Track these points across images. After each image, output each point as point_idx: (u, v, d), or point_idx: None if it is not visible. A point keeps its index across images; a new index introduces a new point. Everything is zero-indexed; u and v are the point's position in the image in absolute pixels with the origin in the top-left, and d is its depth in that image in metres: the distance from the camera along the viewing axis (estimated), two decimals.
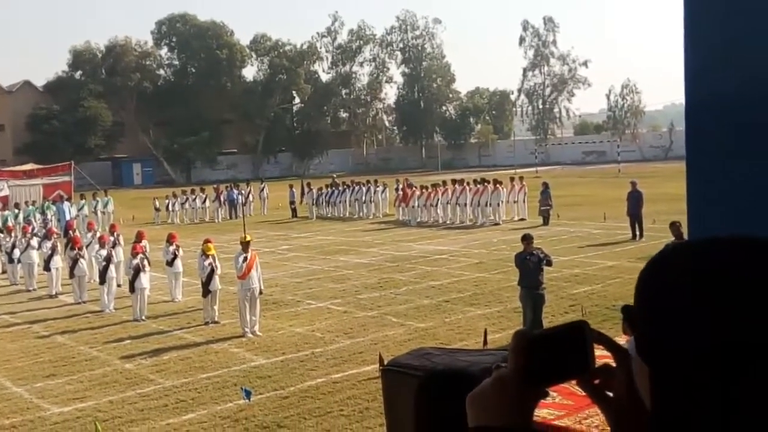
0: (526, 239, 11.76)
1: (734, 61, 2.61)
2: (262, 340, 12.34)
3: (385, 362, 6.15)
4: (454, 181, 29.10)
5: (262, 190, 37.11)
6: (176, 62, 70.15)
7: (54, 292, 17.48)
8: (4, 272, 20.76)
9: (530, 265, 11.36)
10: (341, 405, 8.96)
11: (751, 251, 0.85)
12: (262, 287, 13.53)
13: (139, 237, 16.28)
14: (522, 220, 27.09)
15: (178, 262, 16.01)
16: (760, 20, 2.50)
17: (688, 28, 2.72)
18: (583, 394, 1.04)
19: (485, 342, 10.49)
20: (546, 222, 25.34)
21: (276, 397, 9.48)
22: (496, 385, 0.98)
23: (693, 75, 2.75)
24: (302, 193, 35.33)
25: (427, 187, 29.46)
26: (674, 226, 12.69)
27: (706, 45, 2.71)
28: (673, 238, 12.24)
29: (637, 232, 20.90)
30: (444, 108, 77.27)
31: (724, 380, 0.81)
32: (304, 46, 73.99)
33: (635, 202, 21.38)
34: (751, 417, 0.80)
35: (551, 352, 1.01)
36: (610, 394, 1.00)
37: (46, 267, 17.85)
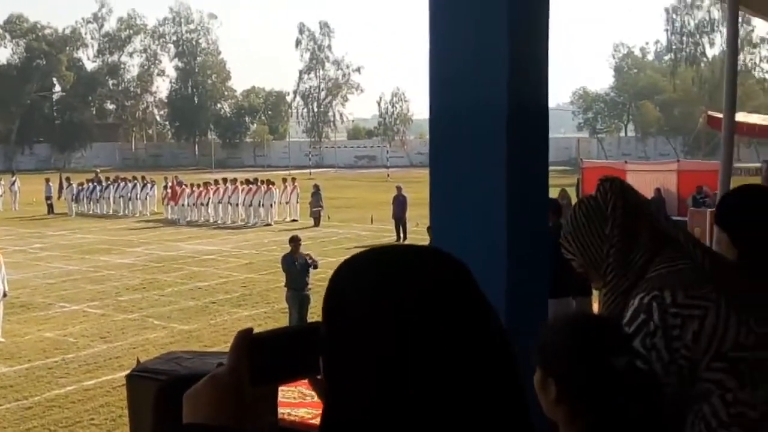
0: (294, 241, 11.87)
1: (468, 78, 2.78)
2: (4, 347, 11.26)
3: None
4: (225, 180, 28.66)
5: (13, 183, 34.02)
6: None
7: None
8: None
9: (297, 267, 11.46)
10: (92, 414, 8.42)
11: (415, 259, 0.93)
12: (7, 289, 12.34)
13: None
14: (294, 221, 27.29)
15: None
16: (488, 47, 2.69)
17: (432, 49, 2.86)
18: None
19: None
20: (317, 223, 25.75)
21: (18, 408, 8.69)
22: (208, 383, 0.97)
23: (435, 91, 2.90)
24: (60, 188, 32.90)
25: (198, 185, 28.72)
26: (431, 230, 13.45)
27: (446, 63, 2.86)
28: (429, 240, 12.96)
29: (401, 235, 21.90)
30: (219, 105, 75.90)
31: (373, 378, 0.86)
32: (67, 31, 69.10)
33: (400, 206, 22.44)
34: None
35: (278, 351, 1.00)
36: None
37: None
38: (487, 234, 2.72)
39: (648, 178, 20.24)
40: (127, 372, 4.40)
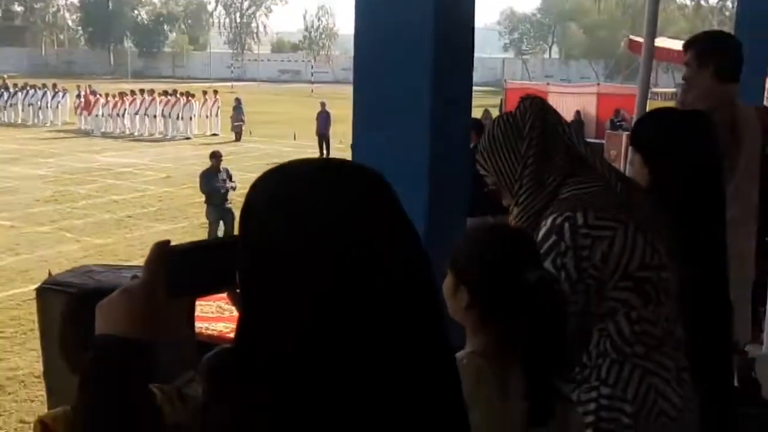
0: (215, 157, 11.68)
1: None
2: None
3: None
4: (142, 91, 27.66)
5: None
6: None
7: None
8: None
9: (217, 183, 11.29)
10: (2, 326, 8.21)
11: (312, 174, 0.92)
12: None
13: None
14: (214, 135, 26.72)
15: None
16: None
17: None
18: None
19: None
20: (238, 138, 25.31)
21: None
22: (122, 295, 0.96)
23: (360, 7, 2.81)
24: None
25: (114, 95, 27.64)
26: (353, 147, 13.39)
27: None
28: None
29: (325, 151, 21.75)
30: (136, 12, 72.50)
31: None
32: None
33: (324, 122, 22.22)
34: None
35: (195, 264, 0.98)
36: None
37: None
38: (408, 152, 2.72)
39: (568, 101, 20.54)
40: (38, 285, 4.27)
